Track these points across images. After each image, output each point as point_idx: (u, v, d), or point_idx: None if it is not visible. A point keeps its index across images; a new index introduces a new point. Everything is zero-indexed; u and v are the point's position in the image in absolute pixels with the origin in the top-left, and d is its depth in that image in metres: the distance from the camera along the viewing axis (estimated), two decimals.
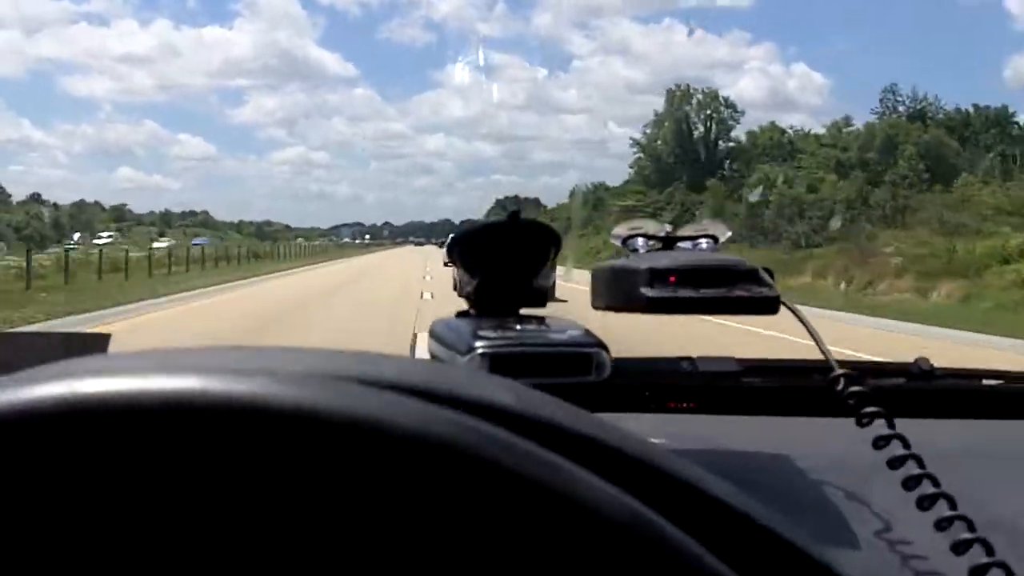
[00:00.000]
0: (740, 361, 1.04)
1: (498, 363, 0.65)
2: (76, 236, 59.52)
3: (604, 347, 0.67)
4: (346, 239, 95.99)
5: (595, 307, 0.77)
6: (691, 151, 53.96)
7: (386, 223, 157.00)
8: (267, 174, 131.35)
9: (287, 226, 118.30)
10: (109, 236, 52.97)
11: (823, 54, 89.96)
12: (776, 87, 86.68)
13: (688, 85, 57.31)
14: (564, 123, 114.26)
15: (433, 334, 0.73)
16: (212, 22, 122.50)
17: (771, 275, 0.72)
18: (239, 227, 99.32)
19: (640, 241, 0.79)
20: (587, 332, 0.69)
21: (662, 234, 0.80)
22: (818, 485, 0.74)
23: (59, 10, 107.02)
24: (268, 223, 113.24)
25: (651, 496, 0.28)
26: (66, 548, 0.26)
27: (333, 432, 0.27)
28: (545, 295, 0.80)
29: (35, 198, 73.64)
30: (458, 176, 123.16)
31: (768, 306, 0.71)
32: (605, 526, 0.27)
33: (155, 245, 43.71)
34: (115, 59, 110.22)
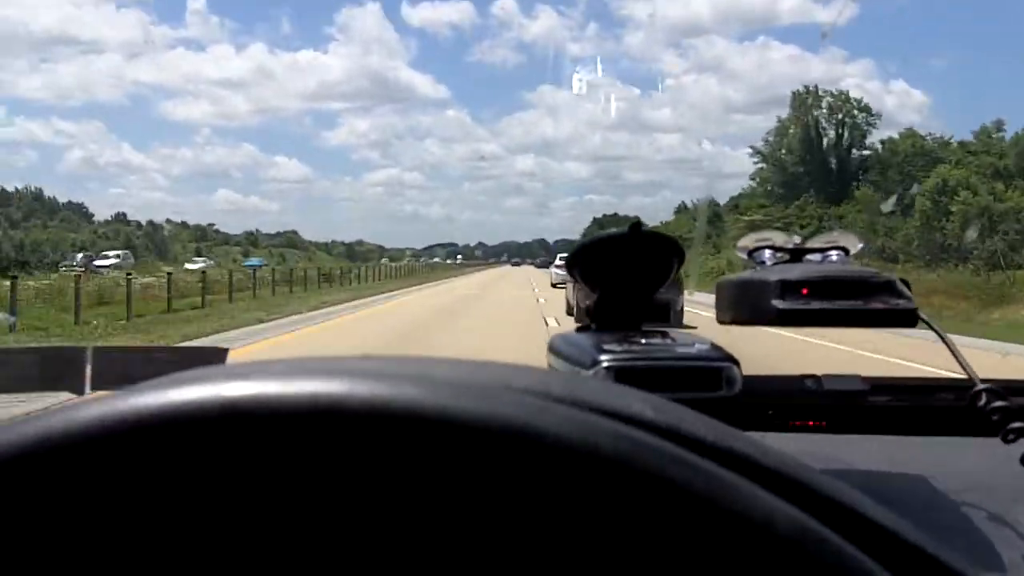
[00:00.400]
0: (867, 379, 0.98)
1: (624, 377, 0.63)
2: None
3: (735, 361, 0.67)
4: (437, 259, 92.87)
5: (720, 321, 0.77)
6: (821, 160, 47.96)
7: (479, 243, 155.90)
8: (360, 195, 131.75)
9: (380, 246, 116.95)
10: (204, 260, 52.49)
11: (922, 71, 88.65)
12: (874, 104, 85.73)
13: (816, 87, 51.35)
14: (657, 142, 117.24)
15: (553, 349, 0.73)
16: (306, 46, 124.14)
17: (908, 286, 0.70)
18: (328, 247, 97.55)
19: (767, 253, 0.77)
20: (715, 346, 0.69)
21: (790, 246, 0.78)
22: (960, 506, 0.71)
23: (158, 36, 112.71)
24: (360, 243, 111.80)
25: (810, 514, 0.28)
26: (217, 540, 0.27)
27: (486, 439, 0.27)
28: (669, 309, 0.77)
29: (120, 218, 75.27)
30: (550, 196, 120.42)
31: (906, 318, 0.68)
32: (778, 540, 0.26)
33: (188, 266, 42.43)
34: (212, 83, 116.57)
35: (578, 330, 0.75)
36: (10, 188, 76.86)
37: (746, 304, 0.72)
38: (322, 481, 0.27)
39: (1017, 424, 0.60)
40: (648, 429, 0.28)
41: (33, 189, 77.54)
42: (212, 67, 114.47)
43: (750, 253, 0.78)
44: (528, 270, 61.08)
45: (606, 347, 0.65)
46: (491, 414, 0.27)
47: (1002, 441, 0.60)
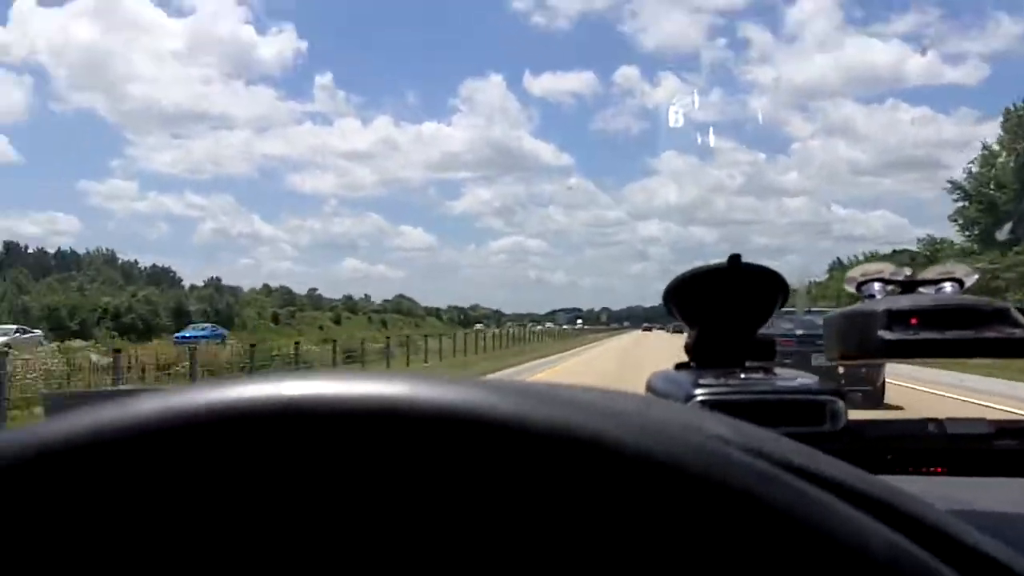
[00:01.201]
0: (992, 423, 0.88)
1: (718, 411, 0.60)
2: None
3: (841, 395, 0.65)
4: (564, 325, 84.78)
5: (829, 359, 0.74)
6: None
7: (604, 308, 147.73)
8: (484, 262, 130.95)
9: (497, 311, 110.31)
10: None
11: None
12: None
13: None
14: (784, 206, 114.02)
15: (650, 387, 0.70)
16: (430, 118, 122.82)
17: None
18: (439, 313, 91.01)
19: (877, 286, 0.75)
20: (820, 380, 0.66)
21: (900, 277, 0.75)
22: None
23: (286, 111, 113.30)
24: (475, 307, 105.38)
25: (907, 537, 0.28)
26: (268, 536, 0.26)
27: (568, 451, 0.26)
28: (773, 346, 0.73)
29: (266, 290, 73.98)
30: (674, 260, 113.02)
31: (1020, 348, 0.66)
32: (873, 564, 0.26)
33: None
34: (338, 155, 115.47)
35: (677, 367, 0.72)
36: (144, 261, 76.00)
37: (853, 337, 0.69)
38: (385, 481, 0.26)
39: None
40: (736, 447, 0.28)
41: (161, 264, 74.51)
42: (339, 140, 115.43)
43: (859, 286, 0.75)
44: (661, 335, 51.39)
45: (702, 382, 0.63)
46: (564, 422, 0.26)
47: None
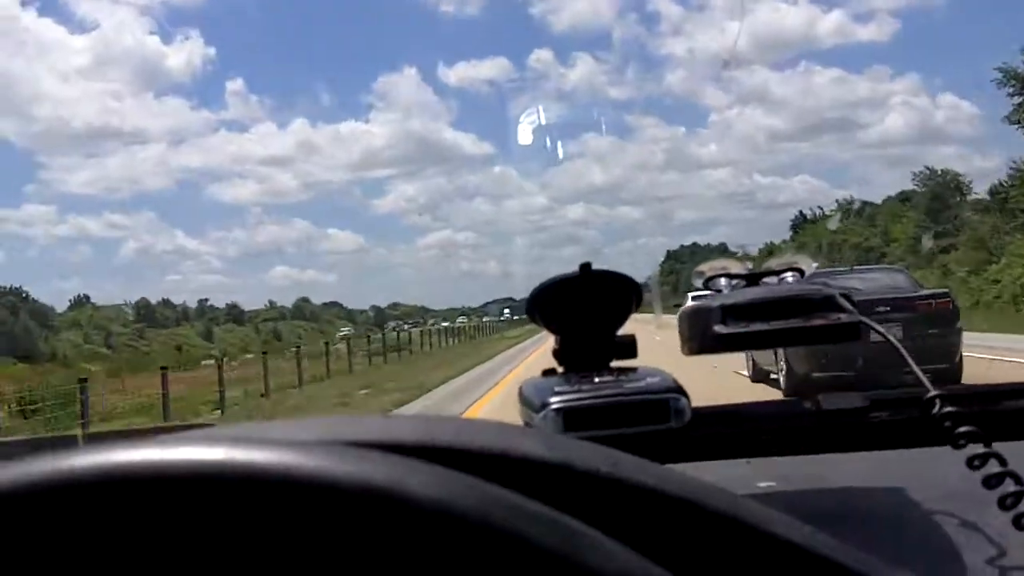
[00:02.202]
0: (867, 396, 0.93)
1: (572, 418, 0.64)
2: None
3: (683, 392, 0.67)
4: (497, 317, 74.88)
5: (684, 353, 0.77)
6: None
7: None
8: (414, 260, 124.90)
9: (422, 307, 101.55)
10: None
11: (972, 80, 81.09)
12: (924, 120, 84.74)
13: None
14: (707, 179, 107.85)
15: (520, 394, 0.73)
16: (348, 117, 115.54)
17: (851, 301, 0.71)
18: (350, 315, 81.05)
19: (723, 281, 0.78)
20: (665, 379, 0.69)
21: (744, 272, 0.78)
22: (929, 516, 0.73)
23: (200, 121, 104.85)
24: (394, 306, 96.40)
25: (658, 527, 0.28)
26: None
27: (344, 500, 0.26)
28: (634, 347, 0.77)
29: (202, 304, 70.62)
30: (604, 242, 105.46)
31: (849, 332, 0.70)
32: None
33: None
34: (258, 162, 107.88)
35: (544, 373, 0.74)
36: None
37: (696, 332, 0.73)
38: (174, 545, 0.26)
39: (965, 428, 0.60)
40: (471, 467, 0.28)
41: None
42: (257, 146, 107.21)
43: (706, 282, 0.79)
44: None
45: (557, 389, 0.66)
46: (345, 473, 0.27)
47: (952, 448, 0.60)
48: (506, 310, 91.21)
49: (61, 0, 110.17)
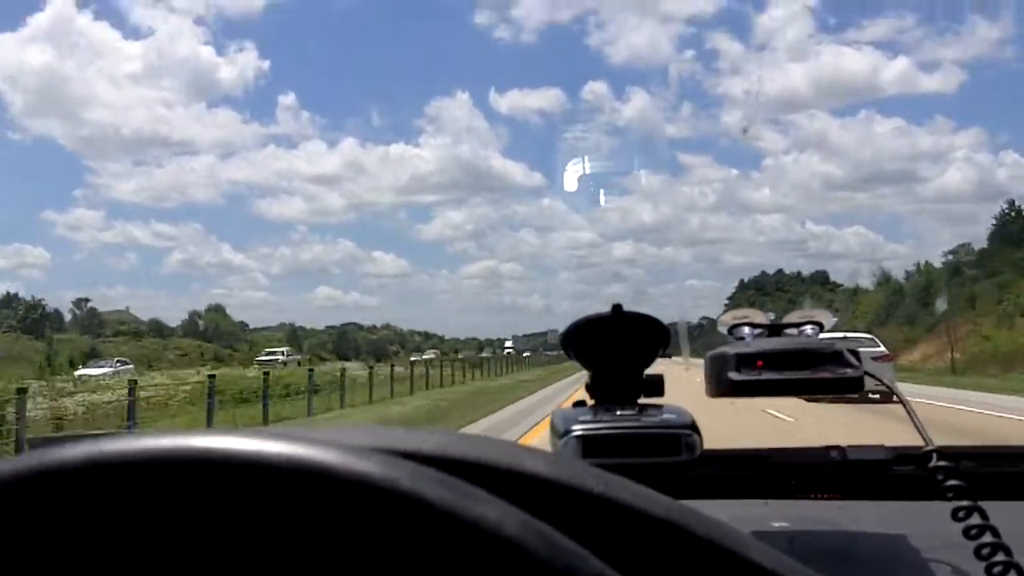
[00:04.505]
0: (891, 449, 1.04)
1: (590, 445, 0.69)
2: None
3: (695, 429, 0.71)
4: (510, 349, 71.29)
5: (707, 394, 0.82)
6: None
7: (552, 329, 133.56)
8: (457, 287, 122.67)
9: (439, 336, 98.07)
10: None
11: None
12: (983, 177, 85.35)
13: None
14: (758, 224, 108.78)
15: (551, 422, 0.77)
16: (398, 139, 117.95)
17: (857, 357, 0.77)
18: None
19: (746, 330, 0.83)
20: (682, 416, 0.73)
21: (767, 322, 0.84)
22: (924, 564, 0.80)
23: (249, 134, 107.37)
24: (383, 324, 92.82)
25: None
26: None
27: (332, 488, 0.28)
28: (662, 385, 0.81)
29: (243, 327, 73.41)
30: (651, 281, 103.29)
31: (852, 385, 0.75)
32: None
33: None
34: (306, 179, 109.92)
35: (574, 405, 0.79)
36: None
37: (715, 377, 0.79)
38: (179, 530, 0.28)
39: (953, 482, 0.66)
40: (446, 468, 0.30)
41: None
42: (305, 164, 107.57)
43: (730, 330, 0.85)
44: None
45: (582, 419, 0.72)
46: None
47: (943, 500, 0.66)
48: (508, 343, 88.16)
49: (117, 5, 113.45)
